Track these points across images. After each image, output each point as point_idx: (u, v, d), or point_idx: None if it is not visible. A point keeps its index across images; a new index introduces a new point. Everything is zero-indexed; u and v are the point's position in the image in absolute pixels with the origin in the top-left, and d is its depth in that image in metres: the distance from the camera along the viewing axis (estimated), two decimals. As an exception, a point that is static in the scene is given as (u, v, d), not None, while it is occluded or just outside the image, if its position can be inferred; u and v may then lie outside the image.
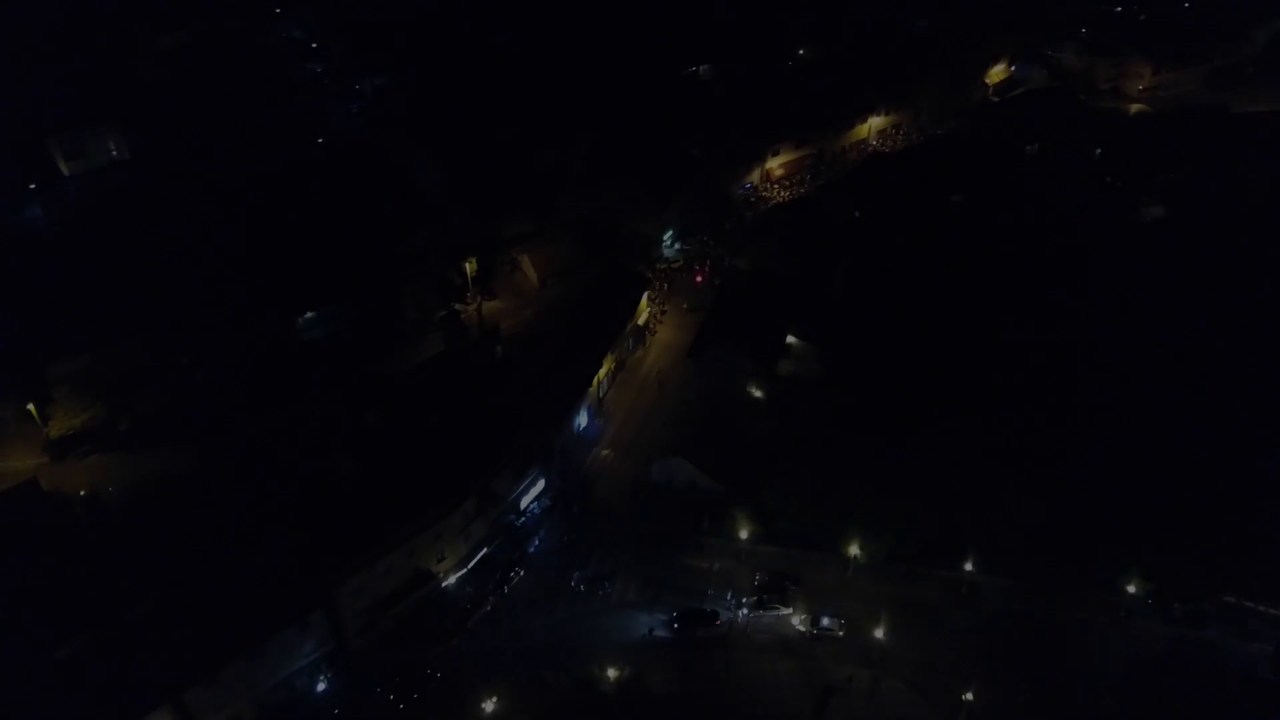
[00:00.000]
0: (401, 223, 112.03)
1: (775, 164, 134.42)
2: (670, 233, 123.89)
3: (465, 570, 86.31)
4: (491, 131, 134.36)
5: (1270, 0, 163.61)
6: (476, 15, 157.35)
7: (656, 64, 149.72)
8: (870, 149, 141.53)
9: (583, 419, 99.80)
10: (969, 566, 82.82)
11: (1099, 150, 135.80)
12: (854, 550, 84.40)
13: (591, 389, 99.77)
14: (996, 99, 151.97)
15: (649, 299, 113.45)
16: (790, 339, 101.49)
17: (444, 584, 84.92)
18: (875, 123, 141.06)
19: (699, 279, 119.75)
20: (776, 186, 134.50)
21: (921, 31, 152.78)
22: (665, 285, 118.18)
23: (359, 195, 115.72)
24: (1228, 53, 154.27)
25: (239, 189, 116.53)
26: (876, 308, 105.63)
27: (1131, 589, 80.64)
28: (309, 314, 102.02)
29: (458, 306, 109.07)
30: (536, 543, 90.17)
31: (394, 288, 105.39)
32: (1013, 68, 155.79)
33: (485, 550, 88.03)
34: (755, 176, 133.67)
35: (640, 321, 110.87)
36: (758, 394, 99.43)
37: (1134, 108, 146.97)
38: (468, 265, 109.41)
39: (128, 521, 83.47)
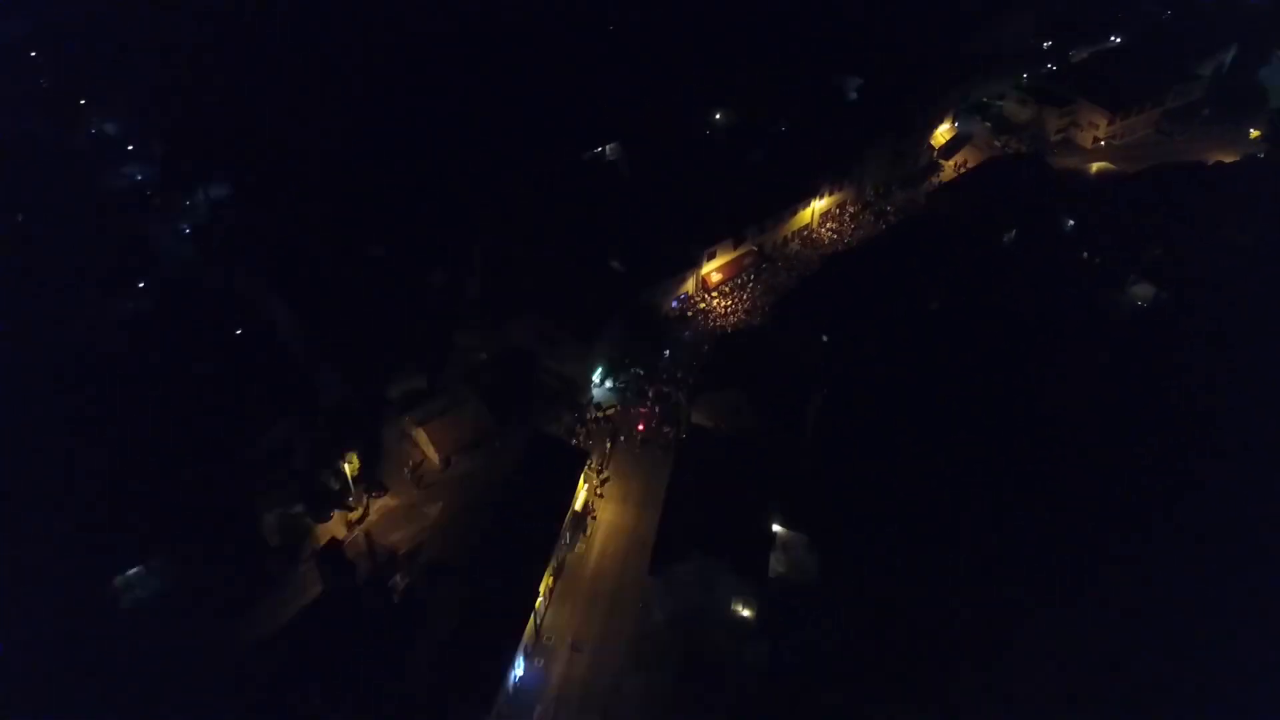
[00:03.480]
0: (255, 411, 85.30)
1: (712, 268, 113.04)
2: (600, 370, 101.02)
3: None
4: (361, 253, 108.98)
5: (1214, 32, 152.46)
6: (334, 101, 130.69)
7: (555, 146, 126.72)
8: (815, 235, 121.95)
9: (518, 668, 75.83)
10: None
11: (1071, 222, 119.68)
12: None
13: (528, 625, 76.08)
14: (942, 160, 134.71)
15: (587, 467, 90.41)
16: (775, 526, 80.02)
17: None
18: (819, 206, 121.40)
19: (641, 427, 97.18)
20: (716, 295, 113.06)
21: (856, 96, 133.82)
22: (607, 444, 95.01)
23: (193, 373, 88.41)
24: (1180, 93, 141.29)
25: (20, 378, 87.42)
26: (867, 461, 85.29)
27: None
28: (131, 570, 74.64)
29: (337, 523, 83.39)
30: None
31: (248, 512, 78.79)
32: (955, 123, 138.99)
33: None
34: (690, 285, 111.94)
35: (578, 505, 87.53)
36: (745, 612, 77.30)
37: (1095, 166, 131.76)
38: (347, 464, 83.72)
39: None
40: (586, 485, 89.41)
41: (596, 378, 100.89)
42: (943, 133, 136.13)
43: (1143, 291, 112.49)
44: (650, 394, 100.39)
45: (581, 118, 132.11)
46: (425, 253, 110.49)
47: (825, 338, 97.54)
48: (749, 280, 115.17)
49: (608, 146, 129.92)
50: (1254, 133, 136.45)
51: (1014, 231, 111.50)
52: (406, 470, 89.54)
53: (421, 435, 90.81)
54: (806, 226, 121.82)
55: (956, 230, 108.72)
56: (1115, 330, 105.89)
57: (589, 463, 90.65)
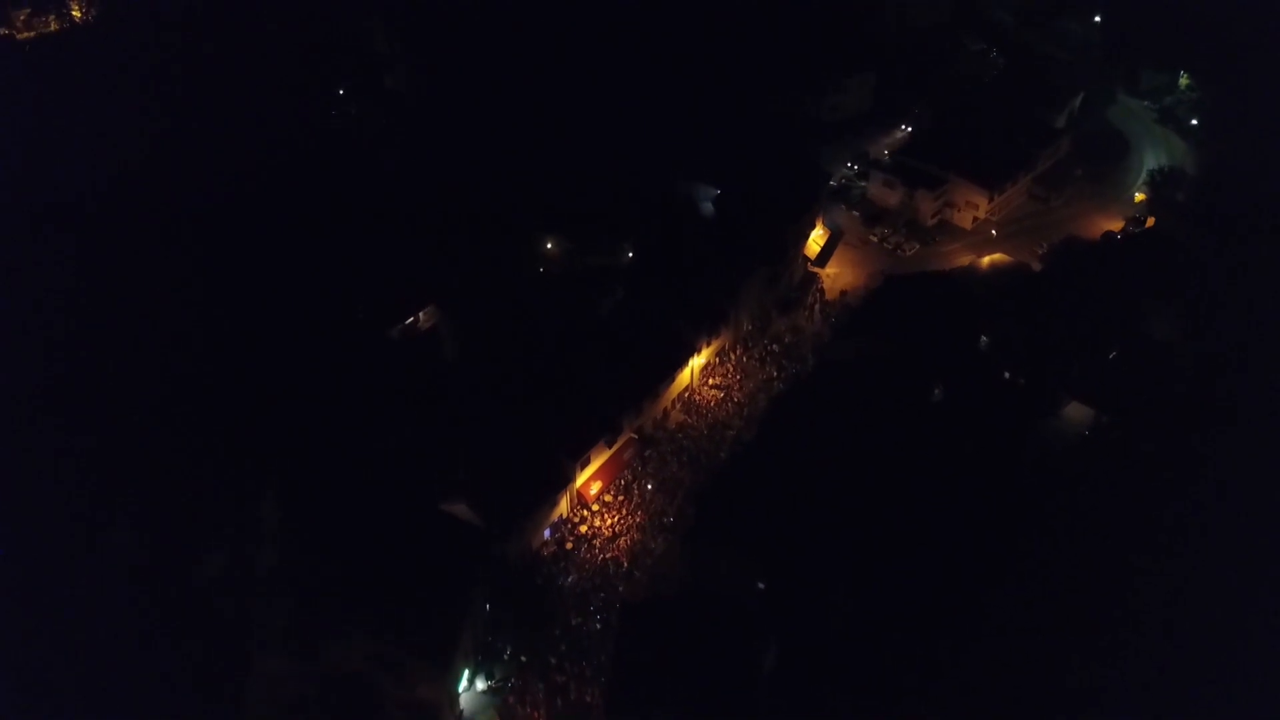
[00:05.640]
0: None
1: (588, 476, 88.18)
2: (468, 672, 74.21)
3: None
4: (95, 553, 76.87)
5: (1054, 79, 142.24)
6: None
7: (352, 325, 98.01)
8: (698, 398, 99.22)
9: None
10: None
11: (984, 338, 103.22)
12: None
13: None
14: (818, 268, 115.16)
15: None
16: None
17: None
18: (697, 362, 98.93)
19: (539, 746, 71.42)
20: (598, 508, 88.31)
21: (713, 209, 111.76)
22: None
23: None
24: (1048, 155, 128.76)
25: None
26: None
27: None
28: None
29: None
30: None
31: None
32: (822, 219, 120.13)
33: None
34: (564, 507, 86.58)
35: None
36: None
37: (986, 260, 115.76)
38: None
39: None
40: None
41: (464, 684, 74.05)
42: (818, 237, 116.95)
43: (1078, 414, 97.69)
44: (541, 688, 74.64)
45: (380, 277, 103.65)
46: (192, 526, 79.92)
47: (761, 584, 75.04)
48: (635, 478, 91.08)
49: (421, 313, 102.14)
50: (1138, 196, 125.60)
51: (940, 389, 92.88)
52: None
53: None
54: (687, 388, 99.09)
55: (871, 390, 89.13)
56: (1067, 473, 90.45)
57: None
